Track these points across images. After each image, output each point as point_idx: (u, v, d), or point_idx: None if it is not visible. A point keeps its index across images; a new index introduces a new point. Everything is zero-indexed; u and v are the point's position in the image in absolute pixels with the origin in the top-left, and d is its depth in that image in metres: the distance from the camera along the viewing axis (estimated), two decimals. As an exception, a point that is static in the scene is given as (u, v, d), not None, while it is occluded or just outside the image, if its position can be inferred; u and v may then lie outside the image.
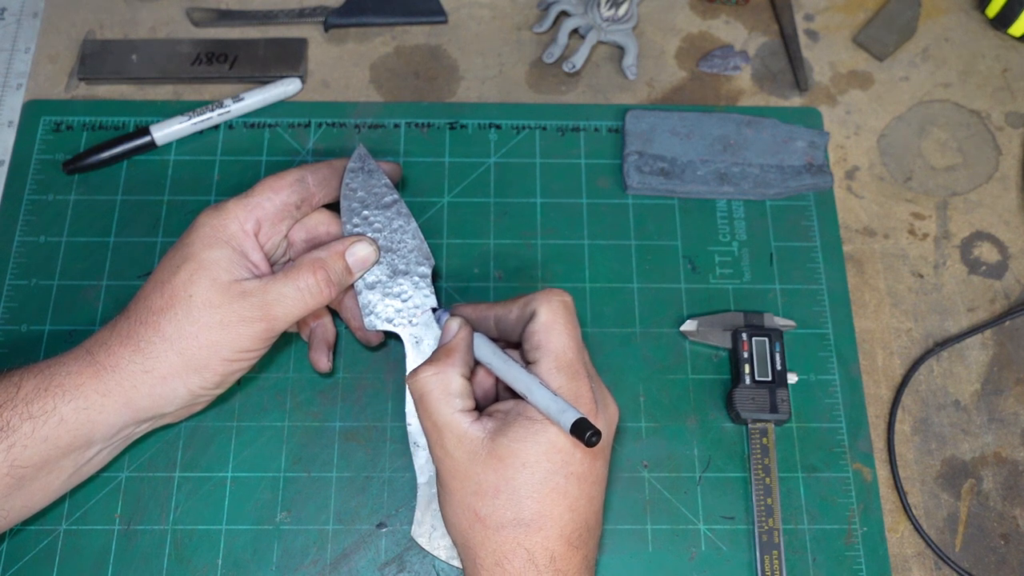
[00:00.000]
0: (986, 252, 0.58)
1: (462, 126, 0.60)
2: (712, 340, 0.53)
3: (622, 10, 0.61)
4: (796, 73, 0.62)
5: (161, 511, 0.49)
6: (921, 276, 0.57)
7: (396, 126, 0.59)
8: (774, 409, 0.51)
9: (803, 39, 0.64)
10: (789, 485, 0.51)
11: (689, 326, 0.54)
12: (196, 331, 0.42)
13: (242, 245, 0.45)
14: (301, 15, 0.63)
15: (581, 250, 0.56)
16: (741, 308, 0.55)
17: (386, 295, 0.48)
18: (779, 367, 0.52)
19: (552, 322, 0.42)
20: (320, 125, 0.59)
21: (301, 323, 0.51)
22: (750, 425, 0.51)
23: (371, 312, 0.48)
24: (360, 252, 0.47)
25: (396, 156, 0.58)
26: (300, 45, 0.62)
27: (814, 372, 0.53)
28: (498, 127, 0.60)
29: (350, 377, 0.53)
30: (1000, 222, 0.58)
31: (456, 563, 0.46)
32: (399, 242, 0.49)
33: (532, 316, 0.43)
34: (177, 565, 0.48)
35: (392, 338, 0.52)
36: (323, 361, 0.50)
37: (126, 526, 0.49)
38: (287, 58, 0.61)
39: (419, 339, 0.48)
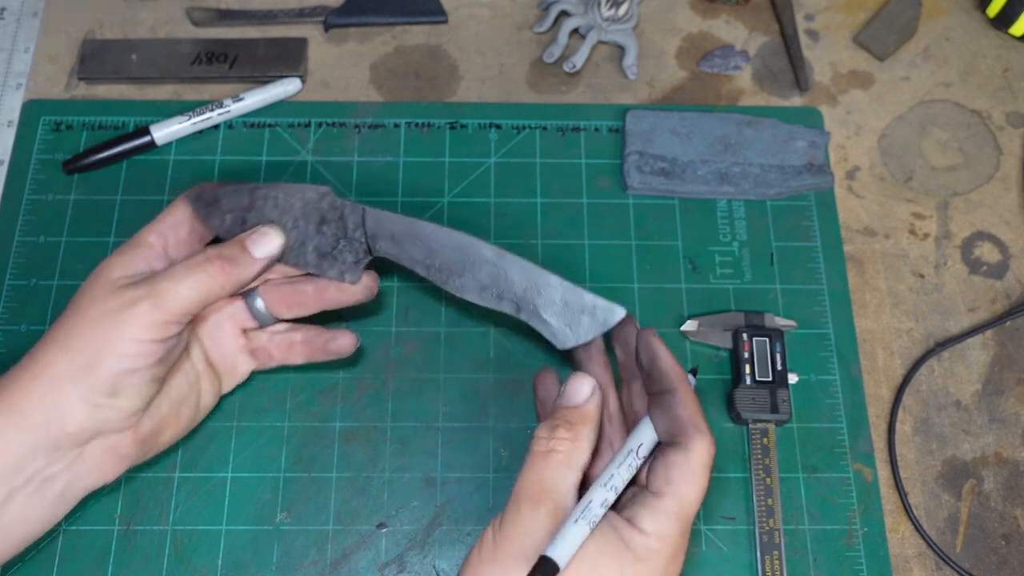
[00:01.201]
0: (987, 252, 0.57)
1: (462, 126, 0.60)
2: (712, 340, 0.53)
3: (622, 10, 0.61)
4: (796, 73, 0.62)
5: (161, 511, 0.49)
6: (922, 276, 0.57)
7: (396, 126, 0.59)
8: (775, 409, 0.51)
9: (803, 39, 0.64)
10: (790, 485, 0.51)
11: (689, 326, 0.54)
12: (83, 327, 0.40)
13: (144, 254, 0.43)
14: (301, 15, 0.63)
15: (581, 250, 0.56)
16: (741, 308, 0.55)
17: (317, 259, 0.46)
18: (780, 367, 0.52)
19: (699, 470, 0.38)
20: (320, 125, 0.59)
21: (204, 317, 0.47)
22: (751, 425, 0.51)
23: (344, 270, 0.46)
24: (260, 235, 0.45)
25: (396, 156, 0.58)
26: (300, 45, 0.61)
27: (815, 372, 0.53)
28: (498, 127, 0.60)
29: (350, 377, 0.53)
30: (1001, 222, 0.58)
31: None
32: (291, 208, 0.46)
33: (681, 446, 0.38)
34: (177, 565, 0.48)
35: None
36: (344, 341, 0.48)
37: (126, 526, 0.49)
38: (287, 58, 0.61)
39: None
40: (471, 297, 0.44)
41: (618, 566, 0.36)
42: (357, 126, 0.59)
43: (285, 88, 0.59)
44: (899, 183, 0.59)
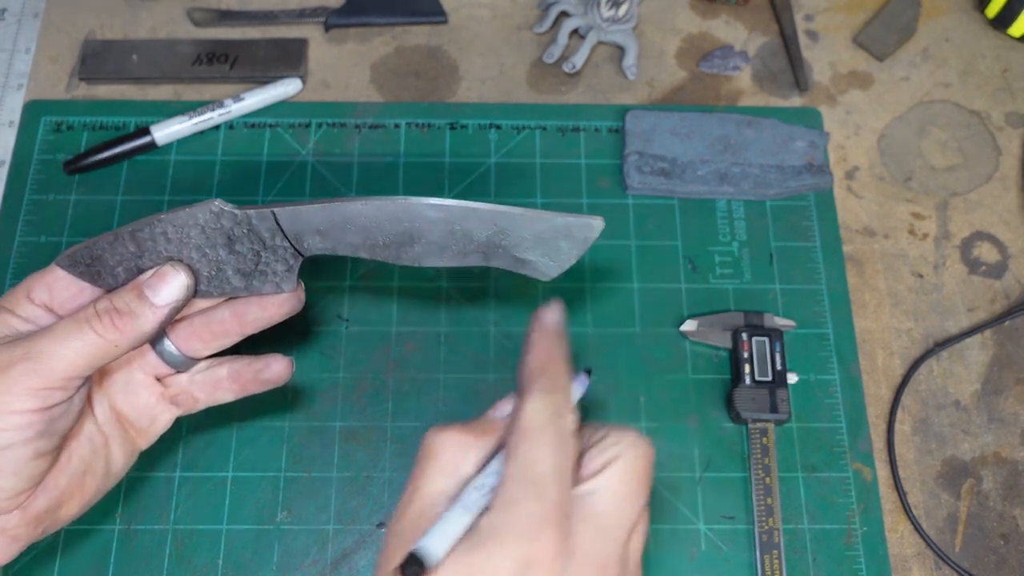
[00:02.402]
0: (986, 252, 0.58)
1: (462, 126, 0.60)
2: (712, 340, 0.53)
3: (622, 10, 0.61)
4: (796, 73, 0.62)
5: (161, 511, 0.49)
6: (921, 276, 0.57)
7: (396, 126, 0.59)
8: (774, 409, 0.51)
9: (803, 39, 0.64)
10: (789, 485, 0.51)
11: (689, 326, 0.54)
12: None
13: (26, 312, 0.38)
14: (301, 15, 0.63)
15: (581, 250, 0.56)
16: (741, 308, 0.55)
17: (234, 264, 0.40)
18: (779, 367, 0.52)
19: (531, 427, 0.32)
20: (320, 125, 0.59)
21: (107, 374, 0.41)
22: (750, 425, 0.51)
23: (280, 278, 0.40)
24: (161, 277, 0.38)
25: (396, 156, 0.58)
26: (300, 45, 0.62)
27: (814, 372, 0.53)
28: (498, 127, 0.60)
29: (350, 377, 0.53)
30: (1000, 222, 0.58)
31: None
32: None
33: (516, 407, 0.33)
34: (177, 565, 0.48)
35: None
36: (277, 368, 0.43)
37: (126, 526, 0.49)
38: (287, 58, 0.61)
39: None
40: (431, 263, 0.39)
41: (468, 558, 0.30)
42: (357, 126, 0.59)
43: (286, 88, 0.59)
44: (898, 183, 0.59)
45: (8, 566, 0.48)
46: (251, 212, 0.38)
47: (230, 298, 0.41)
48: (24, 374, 0.34)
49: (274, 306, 0.40)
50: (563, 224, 0.38)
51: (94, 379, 0.39)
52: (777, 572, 0.48)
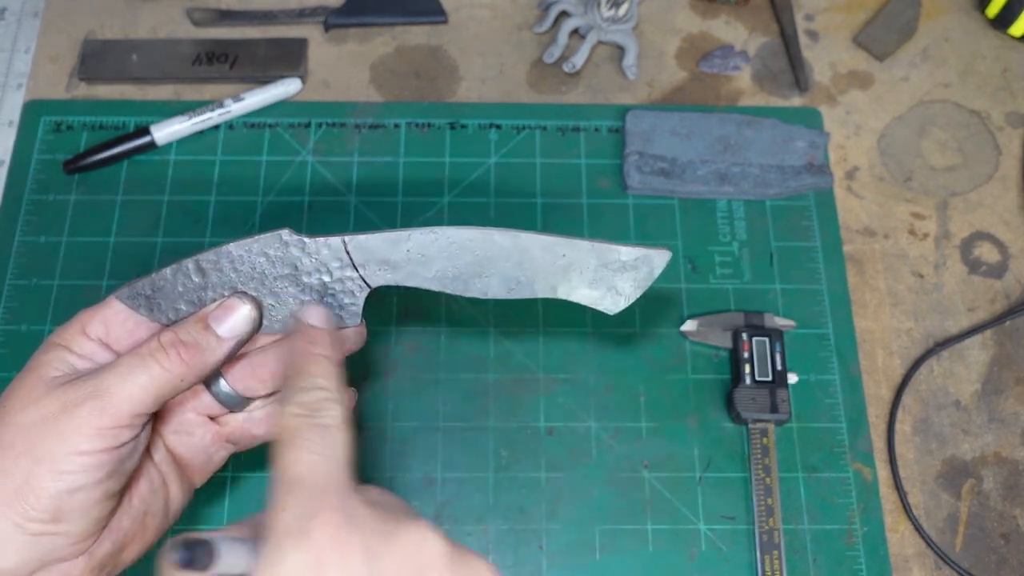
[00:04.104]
0: (986, 252, 0.58)
1: (462, 126, 0.60)
2: (712, 340, 0.53)
3: (622, 10, 0.61)
4: (796, 73, 0.62)
5: (161, 511, 0.49)
6: (921, 276, 0.57)
7: (396, 126, 0.59)
8: (774, 409, 0.51)
9: (803, 39, 0.64)
10: (789, 485, 0.51)
11: (689, 326, 0.54)
12: (11, 438, 0.33)
13: (83, 348, 0.36)
14: (301, 15, 0.63)
15: (581, 250, 0.56)
16: (741, 308, 0.55)
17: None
18: (779, 367, 0.52)
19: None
20: (320, 125, 0.59)
21: (169, 412, 0.40)
22: (750, 425, 0.51)
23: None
24: (227, 310, 0.37)
25: (396, 156, 0.58)
26: (300, 45, 0.62)
27: (814, 372, 0.53)
28: (498, 127, 0.60)
29: (349, 377, 0.52)
30: (1000, 222, 0.58)
31: None
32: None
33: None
34: (177, 565, 0.48)
35: None
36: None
37: (126, 526, 0.49)
38: (287, 58, 0.61)
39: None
40: (499, 295, 0.39)
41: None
42: (357, 126, 0.59)
43: (285, 88, 0.59)
44: (898, 183, 0.59)
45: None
46: (320, 241, 0.37)
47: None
48: (92, 413, 0.33)
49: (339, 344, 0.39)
50: (628, 256, 0.38)
51: (149, 423, 0.37)
52: (777, 572, 0.48)
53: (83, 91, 0.61)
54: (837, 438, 0.52)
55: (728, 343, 0.53)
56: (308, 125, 0.59)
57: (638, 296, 0.39)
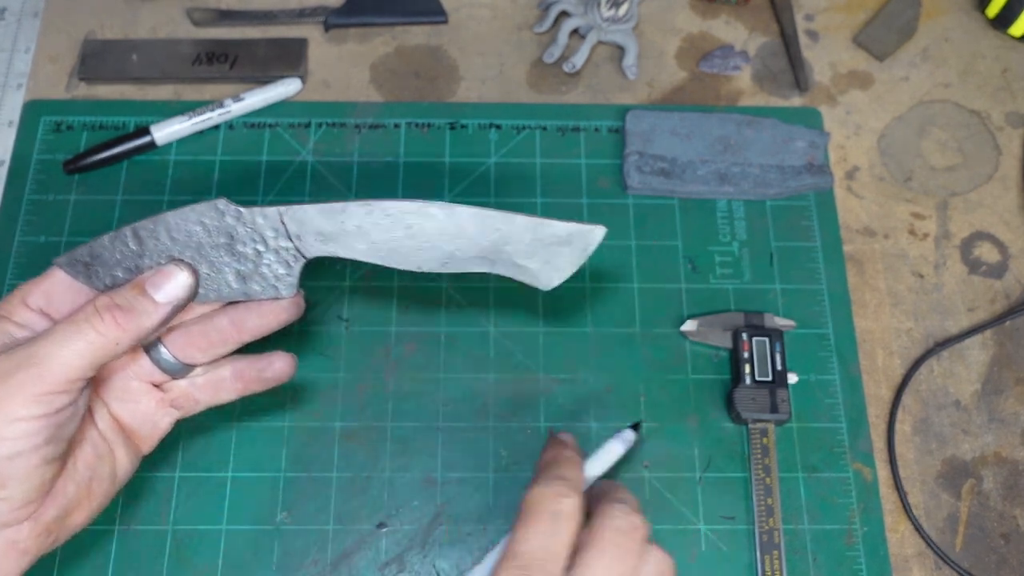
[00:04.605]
0: (986, 252, 0.58)
1: (462, 126, 0.60)
2: (712, 340, 0.53)
3: (622, 10, 0.61)
4: (796, 73, 0.62)
5: (161, 511, 0.49)
6: (921, 276, 0.57)
7: (396, 126, 0.59)
8: (774, 409, 0.51)
9: (803, 39, 0.64)
10: (789, 485, 0.51)
11: (689, 326, 0.54)
12: None
13: (23, 318, 0.37)
14: (301, 15, 0.63)
15: (581, 250, 0.56)
16: (741, 308, 0.55)
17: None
18: (779, 367, 0.52)
19: (526, 509, 0.35)
20: (320, 125, 0.59)
21: (108, 375, 0.40)
22: (750, 425, 0.51)
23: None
24: (165, 275, 0.37)
25: (396, 156, 0.58)
26: (300, 45, 0.62)
27: (814, 372, 0.53)
28: (498, 127, 0.60)
29: (350, 377, 0.53)
30: (1000, 222, 0.58)
31: None
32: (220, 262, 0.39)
33: (599, 547, 0.35)
34: (177, 565, 0.48)
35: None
36: (280, 366, 0.42)
37: (126, 526, 0.49)
38: (287, 58, 0.61)
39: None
40: (433, 269, 0.39)
41: None
42: (357, 126, 0.59)
43: (285, 88, 0.59)
44: (898, 183, 0.59)
45: (8, 566, 0.48)
46: (255, 210, 0.38)
47: (227, 304, 0.40)
48: (27, 380, 0.33)
49: (273, 313, 0.40)
50: (564, 231, 0.38)
51: (89, 388, 0.38)
52: (777, 572, 0.48)
53: (83, 91, 0.61)
54: (837, 438, 0.52)
55: (728, 343, 0.53)
56: (308, 125, 0.59)
57: (573, 272, 0.39)
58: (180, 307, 0.37)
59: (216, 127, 0.59)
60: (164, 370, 0.41)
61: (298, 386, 0.52)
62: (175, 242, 0.38)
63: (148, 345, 0.40)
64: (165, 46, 0.61)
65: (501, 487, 0.50)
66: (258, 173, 0.58)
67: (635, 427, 0.43)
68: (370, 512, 0.50)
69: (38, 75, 0.61)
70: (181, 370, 0.41)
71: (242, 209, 0.38)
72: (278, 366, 0.42)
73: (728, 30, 0.64)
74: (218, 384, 0.42)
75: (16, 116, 0.59)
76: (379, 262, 0.39)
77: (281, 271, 0.39)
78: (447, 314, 0.54)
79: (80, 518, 0.38)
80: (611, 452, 0.44)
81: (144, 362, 0.41)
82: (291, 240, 0.38)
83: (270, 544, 0.49)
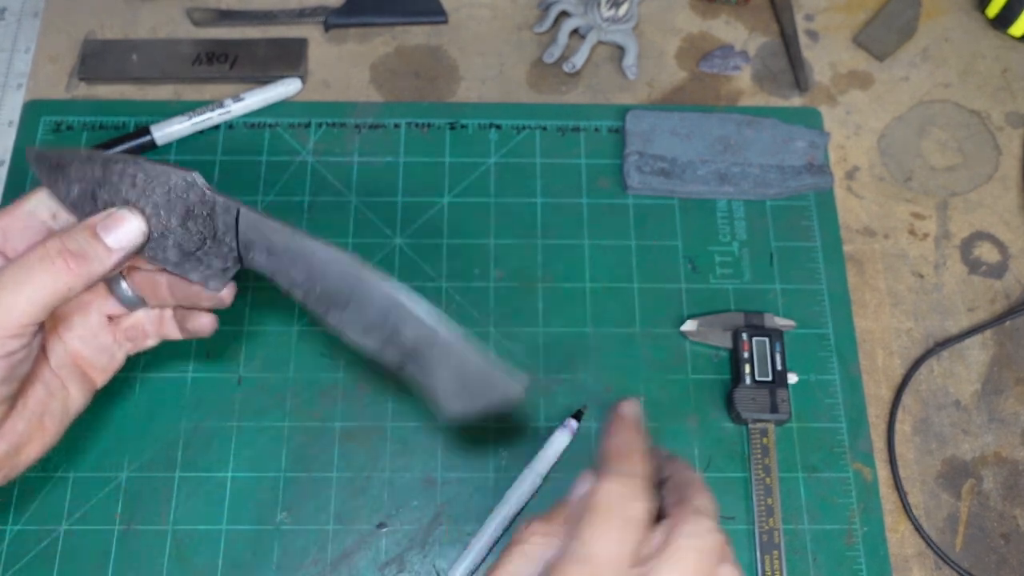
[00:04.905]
0: (986, 252, 0.58)
1: (462, 126, 0.60)
2: (712, 340, 0.53)
3: (622, 10, 0.61)
4: (796, 73, 0.62)
5: (161, 511, 0.49)
6: (921, 276, 0.57)
7: (396, 126, 0.59)
8: (774, 409, 0.51)
9: (803, 39, 0.64)
10: (789, 485, 0.51)
11: (689, 326, 0.54)
12: None
13: None
14: (301, 15, 0.63)
15: (581, 250, 0.56)
16: (741, 308, 0.55)
17: (182, 257, 0.39)
18: (779, 367, 0.52)
19: (588, 504, 0.33)
20: (320, 125, 0.59)
21: (59, 323, 0.41)
22: (750, 425, 0.51)
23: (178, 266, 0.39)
24: (117, 220, 0.37)
25: (396, 156, 0.58)
26: (300, 45, 0.62)
27: (814, 372, 0.53)
28: (498, 127, 0.60)
29: (350, 377, 0.53)
30: (1000, 222, 0.58)
31: None
32: (168, 202, 0.38)
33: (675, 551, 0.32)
34: (177, 565, 0.48)
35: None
36: (203, 322, 0.42)
37: (126, 526, 0.49)
38: (287, 58, 0.61)
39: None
40: (351, 335, 0.38)
41: None
42: (357, 126, 0.59)
43: (285, 88, 0.59)
44: (898, 183, 0.59)
45: (8, 565, 0.48)
46: (219, 199, 0.38)
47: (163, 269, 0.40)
48: None
49: (199, 295, 0.40)
50: (489, 370, 0.36)
51: (48, 323, 0.38)
52: (777, 572, 0.48)
53: (83, 91, 0.61)
54: (837, 438, 0.52)
55: (728, 343, 0.53)
56: (308, 125, 0.59)
57: (476, 412, 0.37)
58: (131, 254, 0.37)
59: (216, 127, 0.59)
60: (123, 303, 0.42)
61: (298, 386, 0.52)
62: (135, 189, 0.38)
63: (110, 279, 0.41)
64: (165, 46, 0.61)
65: (501, 487, 0.50)
66: (258, 173, 0.58)
67: (577, 416, 0.44)
68: (370, 512, 0.50)
69: (38, 75, 0.61)
70: (137, 304, 0.42)
71: (207, 190, 0.37)
72: (202, 321, 0.42)
73: (728, 30, 0.64)
74: (162, 320, 0.43)
75: (16, 116, 0.59)
76: (304, 301, 0.38)
77: (217, 265, 0.38)
78: (447, 314, 0.54)
79: (32, 453, 0.39)
80: (559, 443, 0.49)
81: (109, 298, 0.42)
82: (237, 241, 0.38)
83: (270, 544, 0.49)
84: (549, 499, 0.50)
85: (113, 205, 0.38)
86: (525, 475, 0.49)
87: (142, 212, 0.38)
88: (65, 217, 0.39)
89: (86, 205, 0.38)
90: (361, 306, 0.37)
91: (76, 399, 0.41)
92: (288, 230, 0.37)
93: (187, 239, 0.38)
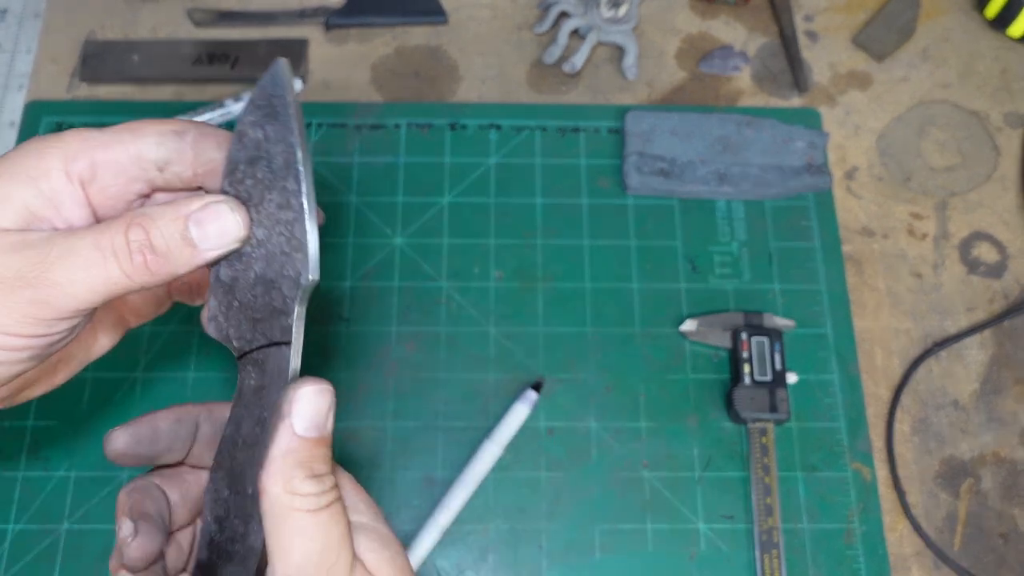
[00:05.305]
0: (985, 252, 0.58)
1: (462, 126, 0.60)
2: (712, 340, 0.54)
3: (622, 11, 0.61)
4: (795, 74, 0.62)
5: (162, 510, 0.49)
6: (920, 276, 0.57)
7: (396, 126, 0.60)
8: (774, 409, 0.51)
9: (803, 40, 0.64)
10: (789, 484, 0.51)
11: (689, 326, 0.54)
12: None
13: (55, 188, 0.30)
14: (302, 15, 0.63)
15: (581, 250, 0.56)
16: (741, 308, 0.55)
17: (237, 301, 0.31)
18: (779, 367, 0.52)
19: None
20: (321, 126, 0.59)
21: (106, 317, 0.36)
22: (750, 425, 0.51)
23: (213, 317, 0.32)
24: (215, 217, 0.30)
25: (396, 156, 0.59)
26: (301, 46, 0.62)
27: (813, 372, 0.54)
28: (498, 127, 0.60)
29: (350, 377, 0.53)
30: (999, 222, 0.59)
31: None
32: (275, 232, 0.31)
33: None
34: (178, 564, 0.48)
35: None
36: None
37: (128, 525, 0.49)
38: (288, 58, 0.61)
39: (262, 387, 0.32)
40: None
41: None
42: (358, 126, 0.60)
43: (286, 89, 0.60)
44: (897, 183, 0.60)
45: (10, 564, 0.48)
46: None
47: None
48: (31, 302, 0.29)
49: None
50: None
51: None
52: (777, 571, 0.48)
53: (84, 92, 0.61)
54: (836, 438, 0.52)
55: (727, 343, 0.53)
56: (308, 125, 0.59)
57: None
58: (223, 256, 0.31)
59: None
60: None
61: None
62: (259, 206, 0.30)
63: None
64: (166, 47, 0.61)
65: (501, 487, 0.50)
66: (259, 173, 0.58)
67: (536, 387, 0.45)
68: (371, 511, 0.50)
69: (39, 76, 0.61)
70: None
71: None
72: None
73: (728, 31, 0.64)
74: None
75: (18, 117, 0.59)
76: None
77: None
78: (447, 314, 0.54)
79: (36, 392, 0.35)
80: (519, 415, 0.50)
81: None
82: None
83: (271, 543, 0.49)
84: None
85: (240, 190, 0.30)
86: (485, 446, 0.50)
87: (244, 205, 0.30)
88: (176, 172, 0.32)
89: (238, 156, 0.31)
90: None
91: (103, 345, 0.36)
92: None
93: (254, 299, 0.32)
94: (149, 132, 0.33)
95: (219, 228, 0.30)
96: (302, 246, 0.30)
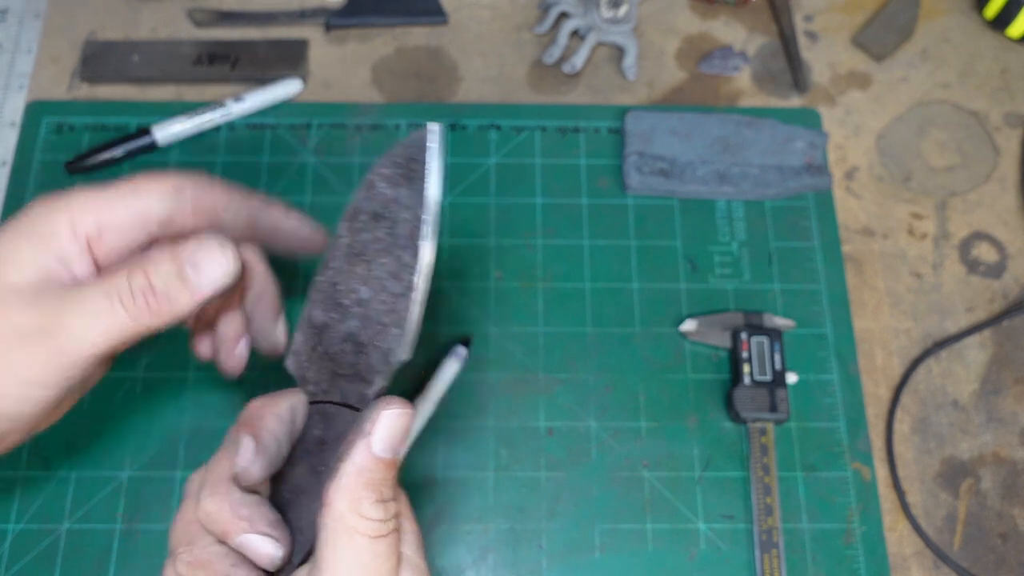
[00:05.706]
0: (985, 252, 0.58)
1: (462, 127, 0.60)
2: (712, 340, 0.54)
3: (622, 11, 0.61)
4: (795, 74, 0.62)
5: (163, 510, 0.49)
6: (920, 276, 0.57)
7: (396, 127, 0.60)
8: (773, 409, 0.51)
9: (802, 40, 0.64)
10: (788, 484, 0.51)
11: (689, 326, 0.54)
12: None
13: (64, 248, 0.33)
14: (302, 16, 0.63)
15: (581, 250, 0.56)
16: (741, 308, 0.55)
17: (323, 348, 0.32)
18: (778, 367, 0.52)
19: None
20: (321, 126, 0.59)
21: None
22: (749, 424, 0.51)
23: (296, 352, 0.33)
24: (206, 257, 0.32)
25: (397, 157, 0.59)
26: (301, 46, 0.62)
27: (813, 372, 0.54)
28: (498, 128, 0.60)
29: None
30: (999, 222, 0.59)
31: None
32: (378, 298, 0.31)
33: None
34: (179, 564, 0.48)
35: None
36: (233, 359, 0.39)
37: (128, 525, 0.49)
38: (288, 59, 0.61)
39: (323, 441, 0.33)
40: None
41: None
42: (358, 127, 0.60)
43: (286, 89, 0.60)
44: (897, 183, 0.60)
45: (10, 564, 0.48)
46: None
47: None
48: (46, 350, 0.31)
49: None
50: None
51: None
52: (776, 571, 0.48)
53: (85, 92, 0.61)
54: (836, 437, 0.52)
55: (727, 343, 0.53)
56: (309, 126, 0.59)
57: None
58: (219, 293, 0.33)
59: (217, 128, 0.59)
60: None
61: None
62: (371, 262, 0.31)
63: None
64: (166, 47, 0.61)
65: (501, 487, 0.50)
66: (259, 174, 0.58)
67: (466, 342, 0.46)
68: (371, 511, 0.50)
69: (40, 76, 0.61)
70: None
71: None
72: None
73: (727, 31, 0.64)
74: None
75: (18, 117, 0.59)
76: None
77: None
78: (447, 314, 0.54)
79: (42, 428, 0.36)
80: (450, 371, 0.51)
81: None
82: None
83: (271, 543, 0.49)
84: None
85: (354, 239, 0.31)
86: (417, 404, 0.50)
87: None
88: (181, 225, 0.35)
89: (363, 206, 0.31)
90: None
91: (99, 374, 0.37)
92: None
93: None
94: (151, 191, 0.34)
95: (211, 263, 0.32)
96: (402, 323, 0.30)
